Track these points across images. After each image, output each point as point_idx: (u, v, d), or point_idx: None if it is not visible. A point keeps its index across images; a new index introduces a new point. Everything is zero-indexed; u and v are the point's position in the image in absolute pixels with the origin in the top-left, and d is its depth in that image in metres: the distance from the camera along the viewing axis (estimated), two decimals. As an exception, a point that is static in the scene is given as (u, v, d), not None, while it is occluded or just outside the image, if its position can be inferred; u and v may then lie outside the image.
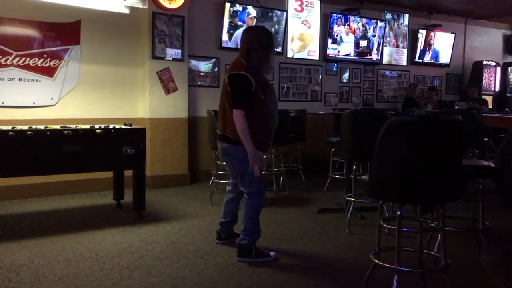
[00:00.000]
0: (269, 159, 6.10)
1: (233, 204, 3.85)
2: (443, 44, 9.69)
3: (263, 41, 3.48)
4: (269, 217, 4.81)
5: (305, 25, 7.99)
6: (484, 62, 10.12)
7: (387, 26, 8.95)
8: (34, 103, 5.62)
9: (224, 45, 7.03)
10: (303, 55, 8.03)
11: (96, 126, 4.57)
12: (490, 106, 9.40)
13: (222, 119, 3.52)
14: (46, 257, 3.52)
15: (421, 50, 9.44)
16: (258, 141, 3.40)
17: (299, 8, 7.89)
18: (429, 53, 9.56)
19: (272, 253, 3.56)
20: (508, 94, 10.31)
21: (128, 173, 4.85)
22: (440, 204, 2.79)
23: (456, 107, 7.96)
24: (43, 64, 5.63)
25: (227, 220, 3.87)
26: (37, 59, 5.58)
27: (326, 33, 8.13)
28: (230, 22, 6.99)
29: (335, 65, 8.47)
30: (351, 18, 8.31)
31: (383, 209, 3.15)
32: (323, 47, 8.18)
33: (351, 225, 4.31)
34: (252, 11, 7.18)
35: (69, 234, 4.13)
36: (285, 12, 7.56)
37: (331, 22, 8.08)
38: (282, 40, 7.57)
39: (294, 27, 7.86)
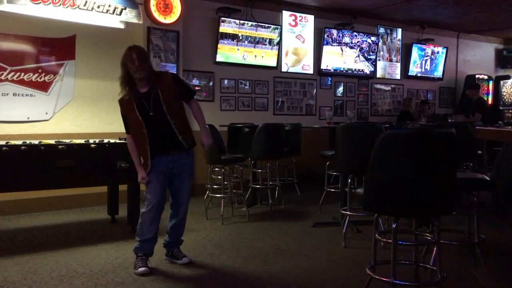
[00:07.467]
0: (264, 173, 6.10)
1: (171, 222, 3.85)
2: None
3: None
4: (264, 231, 4.80)
5: (299, 39, 8.06)
6: (477, 76, 10.22)
7: (381, 41, 9.05)
8: (28, 118, 5.60)
9: (218, 59, 7.07)
10: (297, 69, 8.08)
11: (91, 141, 4.55)
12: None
13: None
14: (39, 273, 3.48)
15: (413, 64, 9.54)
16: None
17: (293, 23, 7.97)
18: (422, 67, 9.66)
19: (141, 269, 3.49)
20: (501, 108, 10.39)
21: (123, 187, 4.83)
22: (435, 217, 2.79)
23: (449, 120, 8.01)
24: (38, 79, 5.63)
25: (169, 240, 3.89)
26: (31, 74, 5.59)
27: (320, 48, 8.20)
28: (224, 37, 7.05)
29: (330, 79, 8.53)
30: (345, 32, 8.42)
31: (378, 222, 3.14)
32: (317, 61, 8.25)
33: (346, 239, 4.31)
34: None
35: (62, 249, 4.09)
36: (279, 27, 7.64)
37: (325, 36, 8.17)
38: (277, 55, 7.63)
39: (289, 42, 7.92)
